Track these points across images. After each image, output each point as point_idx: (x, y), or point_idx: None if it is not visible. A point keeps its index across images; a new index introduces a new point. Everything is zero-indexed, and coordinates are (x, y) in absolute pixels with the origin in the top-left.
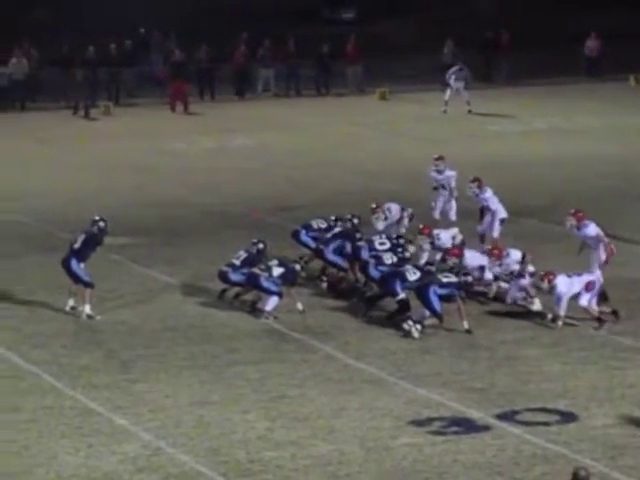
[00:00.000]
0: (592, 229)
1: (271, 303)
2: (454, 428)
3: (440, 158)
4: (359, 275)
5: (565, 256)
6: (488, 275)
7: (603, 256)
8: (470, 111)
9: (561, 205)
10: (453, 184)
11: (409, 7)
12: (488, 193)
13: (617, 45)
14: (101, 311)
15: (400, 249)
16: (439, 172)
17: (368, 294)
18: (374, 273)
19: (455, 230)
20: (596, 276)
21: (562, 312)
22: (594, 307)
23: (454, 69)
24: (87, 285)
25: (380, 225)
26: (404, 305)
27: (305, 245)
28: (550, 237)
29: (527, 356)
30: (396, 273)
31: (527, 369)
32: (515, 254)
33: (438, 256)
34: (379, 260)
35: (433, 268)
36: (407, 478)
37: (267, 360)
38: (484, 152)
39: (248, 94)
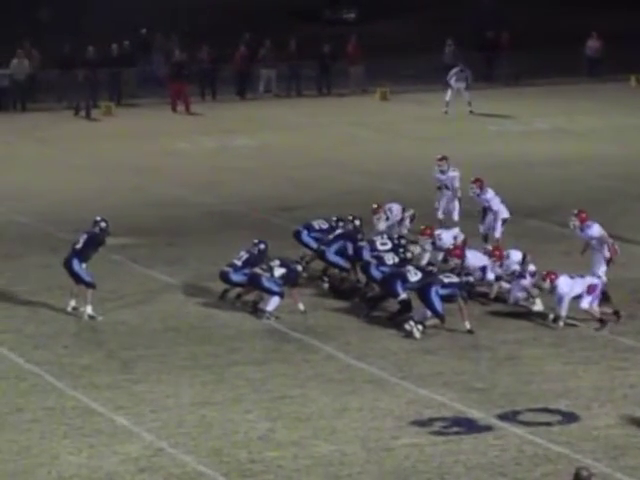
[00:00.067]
0: (596, 230)
1: (272, 303)
2: (456, 428)
3: (443, 158)
4: (360, 275)
5: (566, 256)
6: (490, 275)
7: (607, 256)
8: (471, 111)
9: (562, 205)
10: (456, 184)
11: (410, 7)
12: (489, 194)
13: (618, 45)
14: (102, 311)
15: (401, 249)
16: (442, 172)
17: (369, 294)
18: (375, 273)
19: (456, 230)
20: (599, 280)
21: (563, 312)
22: (595, 309)
23: (455, 70)
24: (89, 285)
25: (381, 225)
26: (406, 305)
27: (306, 245)
28: (551, 237)
29: (529, 356)
30: (397, 274)
31: (529, 369)
32: (516, 255)
33: (440, 256)
34: (380, 260)
35: (435, 268)
36: (409, 478)
37: (268, 360)
38: (485, 152)
39: (249, 94)
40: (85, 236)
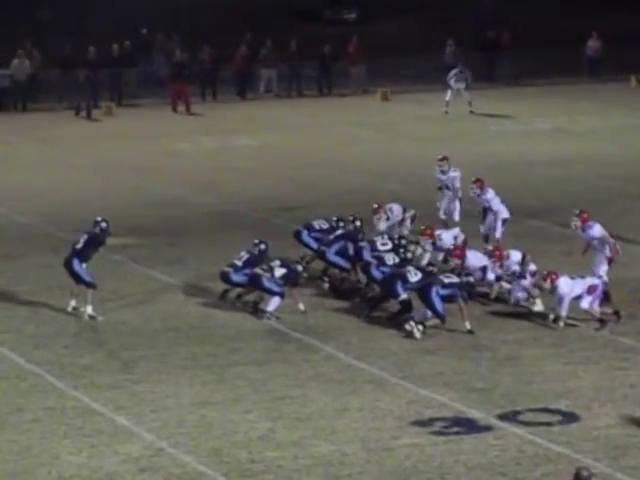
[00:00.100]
0: (597, 230)
1: (273, 304)
2: (456, 428)
3: (444, 159)
4: (361, 276)
5: (566, 257)
6: (490, 276)
7: (609, 257)
8: (471, 111)
9: (562, 205)
10: (457, 185)
11: (410, 7)
12: (490, 194)
13: (618, 46)
14: (103, 311)
15: (402, 250)
16: (443, 173)
17: (370, 295)
18: (376, 274)
19: (457, 230)
20: (599, 281)
21: (564, 313)
22: (596, 309)
23: (454, 71)
24: (89, 286)
25: (382, 226)
26: (406, 305)
27: (307, 246)
28: (551, 238)
29: (529, 356)
30: (397, 274)
31: (529, 369)
32: (515, 255)
33: (440, 257)
34: (381, 261)
35: (435, 269)
36: (409, 479)
37: (269, 360)
38: (485, 152)
39: (250, 94)
40: (85, 236)
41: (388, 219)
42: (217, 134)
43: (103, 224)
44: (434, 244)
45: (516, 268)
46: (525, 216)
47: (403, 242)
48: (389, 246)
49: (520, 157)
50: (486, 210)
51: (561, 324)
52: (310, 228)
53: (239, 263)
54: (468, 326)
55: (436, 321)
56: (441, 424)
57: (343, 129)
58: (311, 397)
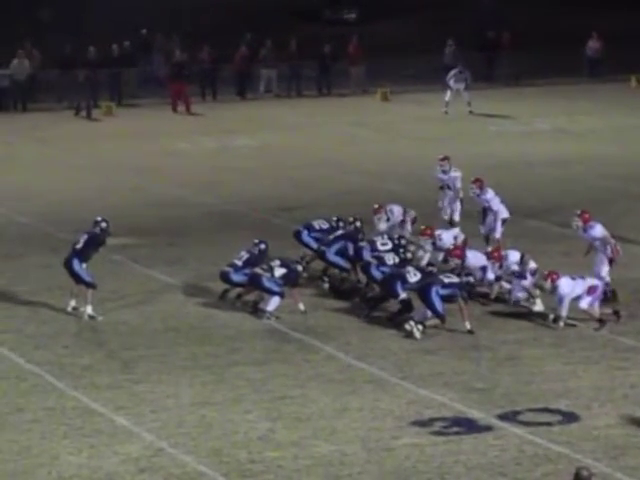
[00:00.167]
0: (598, 230)
1: (273, 303)
2: (456, 428)
3: (445, 159)
4: (361, 276)
5: (566, 257)
6: (490, 276)
7: (610, 257)
8: (471, 112)
9: (562, 206)
10: (458, 185)
11: (410, 7)
12: (489, 194)
13: (618, 46)
14: (102, 311)
15: (402, 250)
16: (444, 172)
17: (370, 295)
18: (376, 274)
19: (457, 230)
20: (600, 281)
21: (564, 313)
22: (595, 309)
23: (454, 72)
24: (89, 286)
25: (382, 226)
26: (406, 305)
27: (307, 246)
28: (551, 238)
29: (529, 356)
30: (397, 275)
31: (529, 369)
32: (514, 255)
33: (440, 257)
34: (381, 261)
35: (435, 269)
36: (409, 479)
37: (269, 360)
38: (485, 152)
39: (250, 94)
40: (85, 236)
41: (388, 220)
42: (217, 134)
43: (103, 224)
44: (434, 244)
45: (515, 268)
46: (525, 216)
47: (403, 242)
48: (389, 246)
49: (520, 157)
50: (486, 210)
51: (561, 324)
52: (310, 228)
53: (239, 263)
54: (468, 326)
55: (436, 321)
56: (441, 424)
57: (343, 129)
58: (311, 397)
